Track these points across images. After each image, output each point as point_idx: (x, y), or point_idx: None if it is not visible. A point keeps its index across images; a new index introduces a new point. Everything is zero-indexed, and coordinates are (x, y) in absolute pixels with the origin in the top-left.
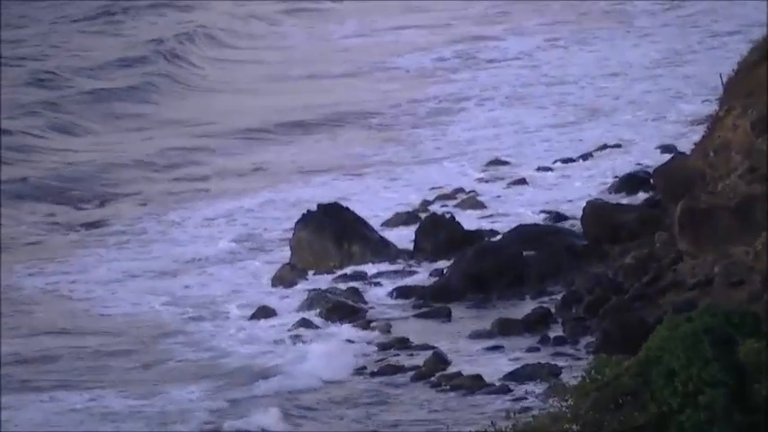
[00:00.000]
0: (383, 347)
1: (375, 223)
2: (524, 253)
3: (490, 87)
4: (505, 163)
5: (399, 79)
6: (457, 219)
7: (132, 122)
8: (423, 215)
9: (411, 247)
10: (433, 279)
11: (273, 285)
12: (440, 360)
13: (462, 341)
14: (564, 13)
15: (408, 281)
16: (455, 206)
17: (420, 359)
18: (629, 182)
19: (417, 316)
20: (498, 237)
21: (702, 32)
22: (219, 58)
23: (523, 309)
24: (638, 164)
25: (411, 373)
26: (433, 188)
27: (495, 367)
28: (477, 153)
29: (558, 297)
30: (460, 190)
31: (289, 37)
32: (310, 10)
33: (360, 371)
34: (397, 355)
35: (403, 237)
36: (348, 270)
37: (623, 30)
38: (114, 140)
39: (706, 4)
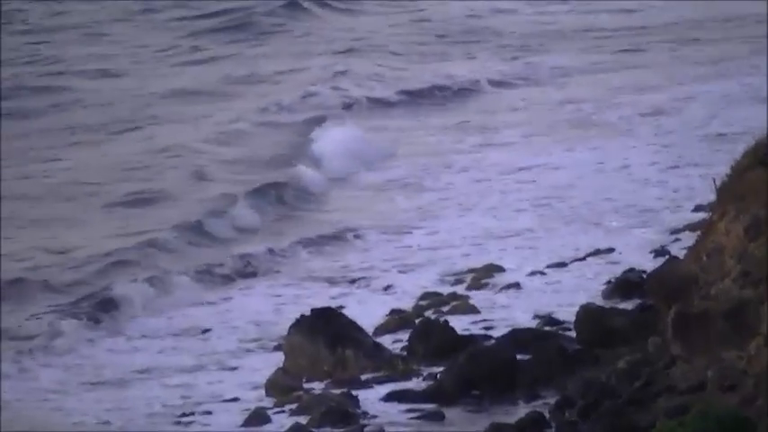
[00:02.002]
0: None
1: (368, 328)
2: (517, 357)
3: (475, 194)
4: (498, 268)
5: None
6: (450, 323)
7: None
8: (416, 320)
9: (404, 351)
10: (427, 383)
11: (266, 390)
12: None
13: None
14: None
15: (402, 385)
16: (448, 311)
17: None
18: (622, 286)
19: (411, 420)
20: (491, 341)
21: (698, 136)
22: None
23: (516, 413)
24: (631, 268)
25: None
26: (426, 293)
27: None
28: (470, 258)
29: (551, 401)
30: (453, 295)
31: None
32: None
33: None
34: None
35: (396, 341)
36: (341, 375)
37: (617, 133)
38: None
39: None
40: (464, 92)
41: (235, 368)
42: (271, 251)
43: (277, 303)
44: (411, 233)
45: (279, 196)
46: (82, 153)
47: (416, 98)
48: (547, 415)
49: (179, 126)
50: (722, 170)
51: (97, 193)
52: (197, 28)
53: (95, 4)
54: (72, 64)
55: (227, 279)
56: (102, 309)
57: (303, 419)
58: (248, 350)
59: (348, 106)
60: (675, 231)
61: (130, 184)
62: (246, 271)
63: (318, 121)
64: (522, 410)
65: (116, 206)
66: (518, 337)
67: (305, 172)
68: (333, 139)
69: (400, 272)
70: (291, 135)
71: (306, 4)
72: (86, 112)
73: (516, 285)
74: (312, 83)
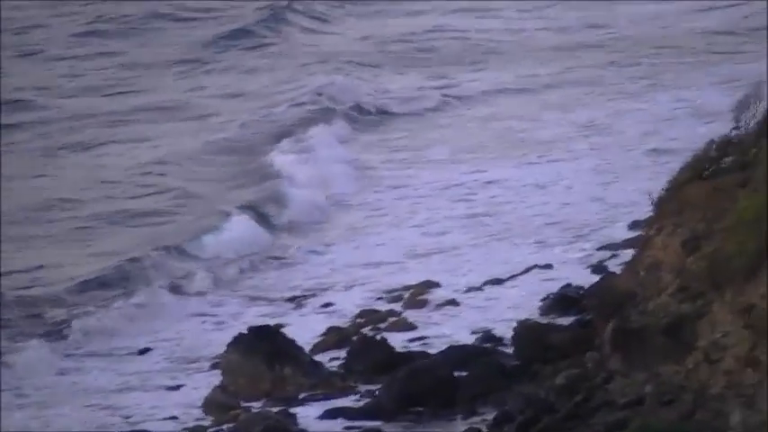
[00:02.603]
0: None
1: (306, 345)
2: (455, 374)
3: (409, 211)
4: (435, 284)
5: None
6: (388, 340)
7: None
8: (354, 337)
9: (342, 369)
10: (365, 400)
11: (204, 408)
12: None
13: None
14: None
15: (340, 402)
16: (386, 328)
17: None
18: (560, 302)
19: None
20: (429, 358)
21: (633, 152)
22: None
23: (455, 429)
24: (569, 284)
25: None
26: (363, 311)
27: None
28: (408, 275)
29: (490, 417)
30: (391, 312)
31: None
32: None
33: None
34: None
35: (334, 359)
36: (280, 392)
37: (551, 150)
38: None
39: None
40: (395, 109)
41: (174, 387)
42: (209, 269)
43: (216, 322)
44: (343, 251)
45: None
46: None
47: (347, 115)
48: (485, 431)
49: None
50: (658, 185)
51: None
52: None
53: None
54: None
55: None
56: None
57: None
58: (187, 369)
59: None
60: (613, 247)
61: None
62: (185, 290)
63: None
64: (460, 427)
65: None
66: (456, 354)
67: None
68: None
69: (337, 290)
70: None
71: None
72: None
73: (453, 302)
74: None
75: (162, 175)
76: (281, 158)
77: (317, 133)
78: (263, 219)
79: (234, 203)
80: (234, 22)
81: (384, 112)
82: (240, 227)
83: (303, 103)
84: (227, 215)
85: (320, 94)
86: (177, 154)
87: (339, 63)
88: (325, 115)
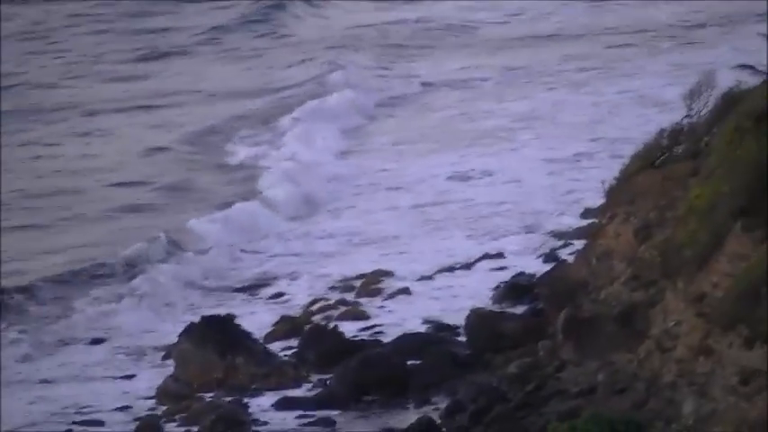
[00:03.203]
0: None
1: (258, 335)
2: (408, 362)
3: (351, 201)
4: (387, 273)
5: None
6: (340, 329)
7: None
8: (306, 327)
9: (295, 358)
10: (318, 389)
11: (157, 398)
12: None
13: None
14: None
15: (292, 392)
16: (338, 317)
17: None
18: (512, 291)
19: (302, 426)
20: (381, 347)
21: (593, 136)
22: None
23: (407, 418)
24: (521, 273)
25: None
26: (315, 299)
27: None
28: (360, 263)
29: (442, 406)
30: (343, 301)
31: None
32: None
33: None
34: None
35: (286, 348)
36: (232, 382)
37: (498, 140)
38: None
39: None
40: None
41: (127, 377)
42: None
43: (170, 312)
44: (291, 241)
45: None
46: None
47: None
48: (438, 420)
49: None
50: (606, 174)
51: None
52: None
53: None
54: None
55: (119, 287)
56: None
57: (194, 427)
58: (141, 359)
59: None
60: (564, 236)
61: None
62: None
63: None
64: (413, 415)
65: None
66: (408, 343)
67: None
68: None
69: (288, 279)
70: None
71: None
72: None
73: (406, 291)
74: None
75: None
76: (241, 150)
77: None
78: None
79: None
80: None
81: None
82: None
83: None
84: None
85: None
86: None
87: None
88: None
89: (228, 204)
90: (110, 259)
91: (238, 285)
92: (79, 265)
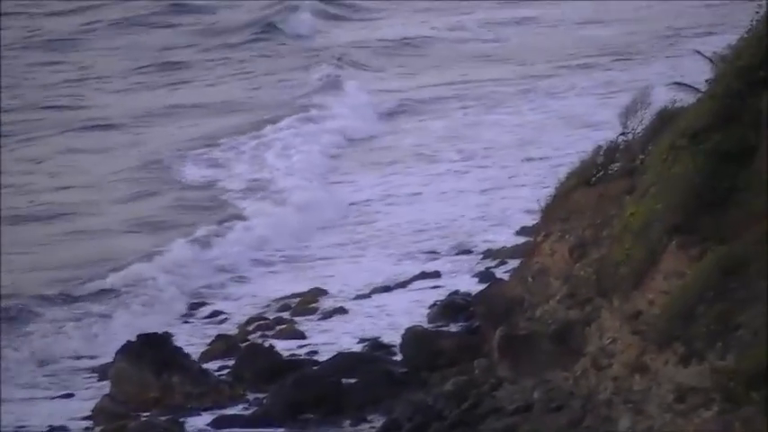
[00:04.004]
0: None
1: (194, 354)
2: (344, 381)
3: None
4: (323, 292)
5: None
6: (276, 348)
7: None
8: (242, 345)
9: (231, 377)
10: (254, 408)
11: (93, 417)
12: None
13: None
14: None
15: (228, 410)
16: (274, 335)
17: None
18: (448, 309)
19: None
20: (317, 365)
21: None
22: None
23: None
24: (456, 291)
25: None
26: (251, 318)
27: None
28: (297, 283)
29: (378, 425)
30: (279, 319)
31: None
32: None
33: None
34: None
35: (223, 367)
36: (168, 401)
37: (421, 160)
38: None
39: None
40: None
41: (64, 396)
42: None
43: (108, 331)
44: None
45: None
46: None
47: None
48: None
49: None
50: (538, 192)
51: None
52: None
53: None
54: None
55: (56, 304)
56: None
57: None
58: (77, 377)
59: None
60: (500, 254)
61: None
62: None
63: None
64: None
65: None
66: (344, 361)
67: None
68: None
69: (224, 298)
70: None
71: None
72: None
73: (341, 310)
74: None
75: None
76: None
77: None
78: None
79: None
80: None
81: None
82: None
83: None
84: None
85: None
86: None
87: None
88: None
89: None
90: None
91: (176, 304)
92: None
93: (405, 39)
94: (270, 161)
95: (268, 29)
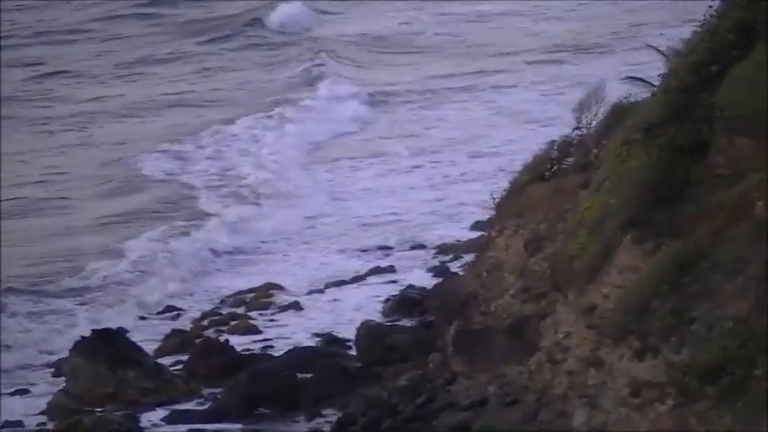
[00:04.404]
0: None
1: (149, 348)
2: (299, 376)
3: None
4: (278, 287)
5: None
6: (231, 343)
7: None
8: (196, 340)
9: (185, 372)
10: (209, 403)
11: (49, 413)
12: None
13: None
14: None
15: (183, 405)
16: (229, 331)
17: None
18: (402, 304)
19: None
20: (272, 360)
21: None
22: None
23: (299, 431)
24: (411, 286)
25: None
26: (205, 313)
27: None
28: (250, 277)
29: (334, 419)
30: (233, 315)
31: None
32: None
33: None
34: None
35: (177, 362)
36: (123, 396)
37: (369, 154)
38: None
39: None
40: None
41: (19, 391)
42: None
43: (66, 324)
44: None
45: None
46: None
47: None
48: None
49: None
50: (488, 187)
51: None
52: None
53: None
54: None
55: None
56: None
57: None
58: (33, 372)
59: None
60: (454, 249)
61: None
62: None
63: None
64: (304, 429)
65: None
66: (299, 356)
67: None
68: None
69: (178, 293)
70: None
71: None
72: None
73: (296, 304)
74: None
75: None
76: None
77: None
78: None
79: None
80: None
81: None
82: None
83: None
84: None
85: None
86: None
87: None
88: None
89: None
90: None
91: (132, 299)
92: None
93: (363, 34)
94: (232, 158)
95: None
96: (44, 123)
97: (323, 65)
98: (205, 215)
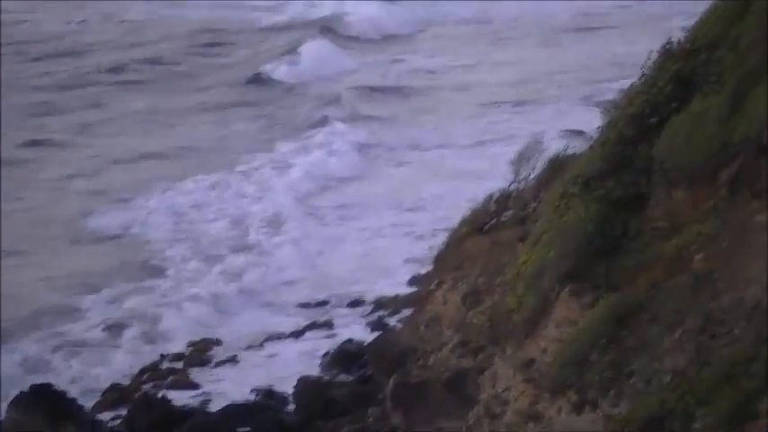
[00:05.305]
0: None
1: (87, 403)
2: (237, 430)
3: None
4: (216, 341)
5: None
6: (169, 398)
7: None
8: (135, 395)
9: (124, 427)
10: None
11: None
12: None
13: None
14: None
15: None
16: (167, 385)
17: None
18: (341, 358)
19: None
20: (210, 415)
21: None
22: None
23: None
24: (350, 340)
25: None
26: (144, 368)
27: None
28: (178, 333)
29: None
30: (172, 369)
31: None
32: None
33: None
34: None
35: (116, 418)
36: None
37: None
38: None
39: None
40: None
41: None
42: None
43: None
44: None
45: None
46: None
47: None
48: None
49: None
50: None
51: None
52: None
53: None
54: None
55: None
56: None
57: None
58: None
59: None
60: (393, 303)
61: None
62: None
63: None
64: None
65: None
66: (237, 411)
67: None
68: None
69: (115, 347)
70: None
71: None
72: None
73: (234, 359)
74: None
75: None
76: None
77: None
78: None
79: None
80: None
81: None
82: None
83: None
84: None
85: None
86: None
87: None
88: None
89: None
90: None
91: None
92: None
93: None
94: (187, 213)
95: None
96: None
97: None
98: (159, 269)
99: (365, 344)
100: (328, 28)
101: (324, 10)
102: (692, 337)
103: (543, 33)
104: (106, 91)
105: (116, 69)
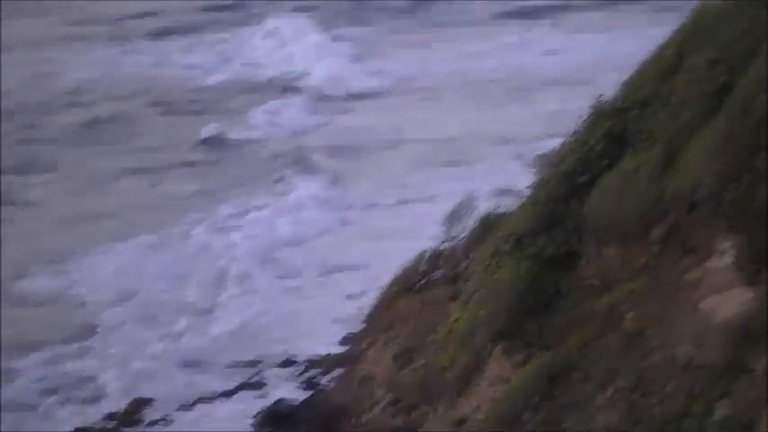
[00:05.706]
0: None
1: None
2: None
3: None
4: (146, 401)
5: None
6: None
7: None
8: None
9: None
10: None
11: None
12: None
13: None
14: None
15: None
16: None
17: None
18: (273, 418)
19: None
20: None
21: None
22: None
23: None
24: (281, 400)
25: None
26: (77, 429)
27: None
28: (113, 393)
29: None
30: (104, 429)
31: None
32: None
33: None
34: None
35: None
36: None
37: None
38: None
39: None
40: None
41: None
42: None
43: None
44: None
45: None
46: None
47: None
48: None
49: None
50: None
51: None
52: None
53: None
54: None
55: None
56: None
57: None
58: None
59: None
60: (324, 362)
61: None
62: None
63: None
64: None
65: None
66: None
67: None
68: None
69: (49, 408)
70: None
71: None
72: None
73: (165, 419)
74: None
75: None
76: None
77: None
78: None
79: None
80: None
81: None
82: None
83: None
84: None
85: None
86: None
87: None
88: None
89: None
90: None
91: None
92: None
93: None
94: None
95: None
96: None
97: None
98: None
99: (297, 403)
100: (276, 87)
101: (269, 71)
102: (624, 396)
103: (476, 90)
104: (43, 151)
105: (55, 128)
